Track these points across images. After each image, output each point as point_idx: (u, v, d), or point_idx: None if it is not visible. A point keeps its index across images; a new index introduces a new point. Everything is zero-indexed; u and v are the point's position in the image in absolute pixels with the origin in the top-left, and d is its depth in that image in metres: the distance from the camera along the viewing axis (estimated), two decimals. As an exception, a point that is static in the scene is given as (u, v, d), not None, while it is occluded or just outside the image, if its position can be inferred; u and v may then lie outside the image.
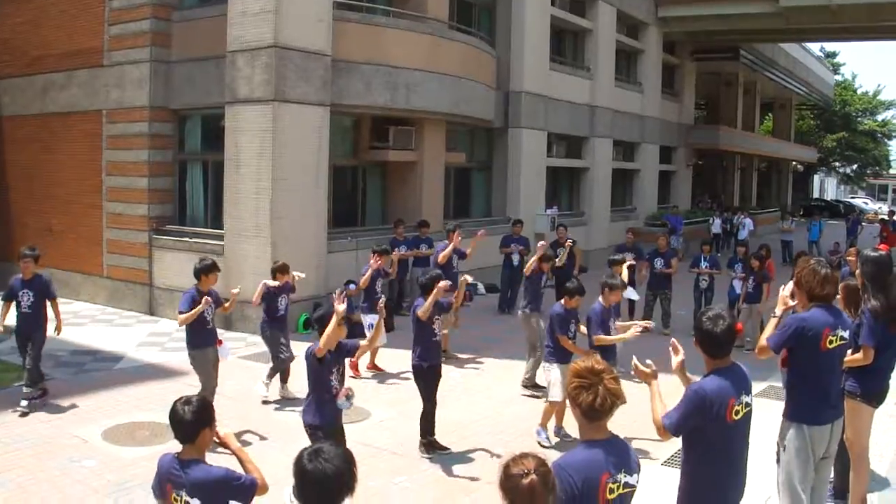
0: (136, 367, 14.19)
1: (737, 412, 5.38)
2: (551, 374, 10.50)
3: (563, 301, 10.83)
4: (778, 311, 6.80)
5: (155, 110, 18.75)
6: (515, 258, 19.23)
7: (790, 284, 6.90)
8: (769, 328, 6.74)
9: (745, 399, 5.47)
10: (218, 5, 17.55)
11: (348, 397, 7.90)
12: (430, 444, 10.05)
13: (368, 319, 13.51)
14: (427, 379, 10.05)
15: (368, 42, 18.51)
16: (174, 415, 5.00)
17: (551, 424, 10.73)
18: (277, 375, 12.36)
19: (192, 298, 10.49)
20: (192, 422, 4.97)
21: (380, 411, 11.73)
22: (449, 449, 10.08)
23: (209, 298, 10.46)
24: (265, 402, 12.07)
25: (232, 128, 17.10)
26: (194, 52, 18.28)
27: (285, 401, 12.13)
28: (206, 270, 10.66)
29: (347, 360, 8.53)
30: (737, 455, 5.53)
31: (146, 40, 18.60)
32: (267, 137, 16.51)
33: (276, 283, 12.48)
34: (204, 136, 19.38)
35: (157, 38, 18.61)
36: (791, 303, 6.79)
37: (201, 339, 10.66)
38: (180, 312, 10.47)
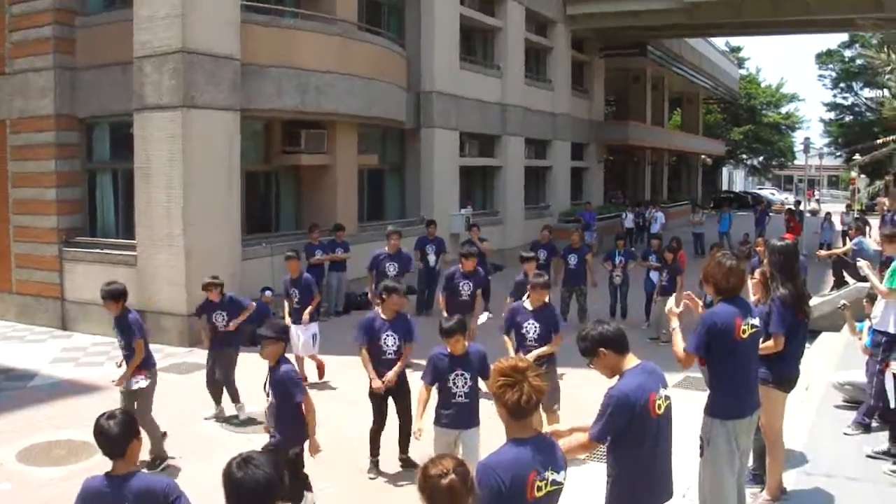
0: (50, 384, 13.87)
1: (658, 406, 5.41)
2: None
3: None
4: (673, 324, 6.81)
5: (61, 118, 18.34)
6: (431, 259, 19.17)
7: (671, 300, 6.97)
8: (676, 340, 6.75)
9: (664, 392, 5.50)
10: (123, 10, 17.29)
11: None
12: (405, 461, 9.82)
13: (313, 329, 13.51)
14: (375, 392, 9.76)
15: (277, 44, 18.35)
16: (100, 431, 4.86)
17: None
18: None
19: None
20: (120, 435, 4.83)
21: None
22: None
23: None
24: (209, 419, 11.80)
25: (141, 135, 16.80)
26: (100, 58, 17.93)
27: (220, 418, 11.86)
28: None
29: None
30: (662, 451, 5.55)
31: (49, 47, 18.18)
32: (177, 144, 16.25)
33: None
34: (113, 144, 18.98)
35: (60, 44, 18.20)
36: (676, 311, 6.82)
37: None
38: None
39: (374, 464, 9.77)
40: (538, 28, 33.00)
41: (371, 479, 9.62)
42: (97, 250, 17.95)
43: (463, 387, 8.18)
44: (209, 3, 16.59)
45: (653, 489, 5.54)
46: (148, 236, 16.84)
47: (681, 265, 17.09)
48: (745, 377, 6.77)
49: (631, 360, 5.54)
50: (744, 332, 6.59)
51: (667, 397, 5.50)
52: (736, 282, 6.72)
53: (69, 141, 18.61)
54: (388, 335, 9.55)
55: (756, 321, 6.79)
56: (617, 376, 5.54)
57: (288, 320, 13.39)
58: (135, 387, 9.92)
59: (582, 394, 10.35)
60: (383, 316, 9.64)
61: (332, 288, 19.31)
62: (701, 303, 7.29)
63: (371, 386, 9.50)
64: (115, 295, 9.97)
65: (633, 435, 5.36)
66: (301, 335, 13.33)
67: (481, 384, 8.12)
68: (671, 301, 6.92)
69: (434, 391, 8.34)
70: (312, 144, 19.98)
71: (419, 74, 24.65)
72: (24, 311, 19.26)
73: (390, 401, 9.72)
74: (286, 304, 13.92)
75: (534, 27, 32.39)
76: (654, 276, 17.61)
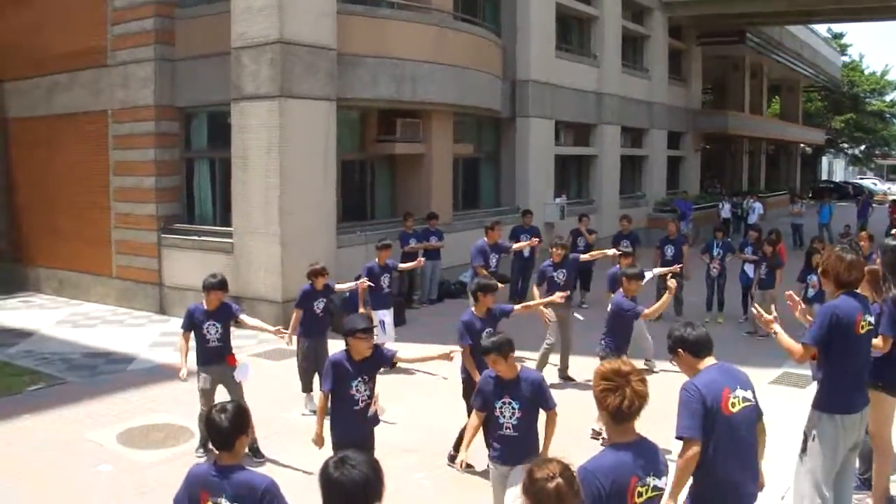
0: (148, 368, 14.11)
1: (733, 404, 5.31)
2: None
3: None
4: (776, 328, 6.64)
5: (161, 109, 18.66)
6: (527, 249, 19.02)
7: (771, 310, 6.93)
8: (785, 339, 6.60)
9: (742, 393, 5.40)
10: (221, 2, 17.49)
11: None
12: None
13: (379, 316, 13.38)
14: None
15: (373, 35, 18.42)
16: (211, 423, 4.96)
17: None
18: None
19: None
20: (231, 429, 4.93)
21: (393, 409, 11.45)
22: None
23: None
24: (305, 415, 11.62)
25: (238, 125, 17.01)
26: (198, 49, 18.20)
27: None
28: (208, 287, 10.00)
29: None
30: (744, 449, 5.41)
31: (150, 39, 18.51)
32: (274, 133, 16.42)
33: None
34: (210, 133, 19.28)
35: (160, 36, 18.52)
36: (769, 318, 6.69)
37: (199, 356, 10.08)
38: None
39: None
40: (635, 16, 32.61)
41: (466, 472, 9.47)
42: (195, 237, 18.24)
43: (510, 418, 6.87)
44: (306, -6, 16.73)
45: (735, 488, 5.40)
46: (244, 224, 17.05)
47: (780, 258, 16.73)
48: (858, 372, 6.66)
49: (708, 362, 5.51)
50: (862, 327, 6.50)
51: (746, 399, 5.39)
52: (857, 275, 6.64)
53: (168, 130, 18.94)
54: (485, 333, 9.44)
55: (872, 319, 6.68)
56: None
57: (361, 309, 13.25)
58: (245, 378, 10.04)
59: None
60: (477, 313, 9.46)
61: (425, 276, 19.34)
62: (800, 300, 7.14)
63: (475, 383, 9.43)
64: (224, 285, 10.08)
65: (710, 430, 5.25)
66: (385, 320, 13.48)
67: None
68: (765, 310, 6.82)
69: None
70: (408, 133, 20.01)
71: (515, 63, 24.53)
72: (124, 296, 19.66)
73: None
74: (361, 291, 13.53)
75: (630, 15, 32.00)
76: (749, 269, 17.25)
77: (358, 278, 13.27)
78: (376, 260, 14.03)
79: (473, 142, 24.21)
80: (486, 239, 15.69)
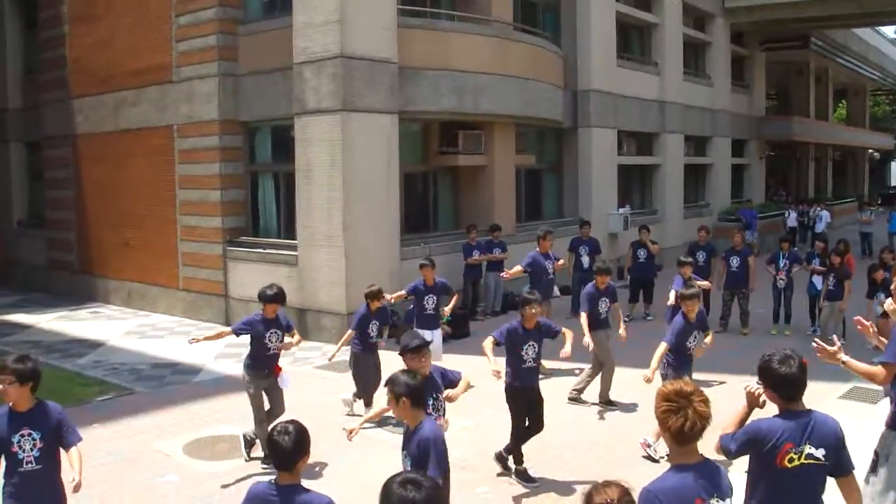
0: (214, 380, 14.30)
1: (790, 460, 4.98)
2: None
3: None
4: (843, 358, 6.32)
5: (224, 123, 18.90)
6: (585, 260, 18.74)
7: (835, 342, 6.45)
8: (856, 364, 6.31)
9: (808, 450, 4.99)
10: (282, 17, 17.68)
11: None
12: (518, 472, 9.59)
13: (427, 336, 13.22)
14: (516, 399, 9.66)
15: (433, 47, 18.49)
16: (273, 445, 5.03)
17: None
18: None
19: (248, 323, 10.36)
20: (292, 451, 5.00)
21: (455, 421, 11.45)
22: (536, 482, 9.51)
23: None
24: (349, 415, 11.80)
25: (301, 139, 17.18)
26: (261, 64, 18.40)
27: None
28: (267, 299, 10.24)
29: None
30: None
31: (213, 55, 18.78)
32: (337, 147, 16.54)
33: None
34: (274, 147, 19.49)
35: (223, 52, 18.77)
36: (833, 349, 6.32)
37: (256, 364, 10.35)
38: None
39: (520, 472, 9.58)
40: (696, 23, 32.36)
41: (522, 485, 9.48)
42: (259, 250, 18.43)
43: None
44: (366, 9, 16.81)
45: None
46: (308, 236, 17.19)
47: (849, 269, 16.48)
48: None
49: (796, 406, 5.12)
50: None
51: (810, 455, 4.99)
52: None
53: (232, 144, 19.17)
54: (529, 345, 9.53)
55: None
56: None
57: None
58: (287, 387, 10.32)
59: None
60: (525, 325, 9.56)
61: (489, 288, 19.34)
62: (871, 323, 6.99)
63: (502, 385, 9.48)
64: (282, 298, 10.29)
65: (760, 477, 5.09)
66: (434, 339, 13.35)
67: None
68: (833, 321, 6.71)
69: None
70: (470, 145, 20.04)
71: (576, 73, 24.47)
72: (190, 307, 19.93)
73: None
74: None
75: (691, 22, 31.75)
76: (816, 280, 17.00)
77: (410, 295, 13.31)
78: (422, 278, 13.65)
79: (535, 152, 24.20)
80: (538, 249, 15.55)
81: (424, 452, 5.87)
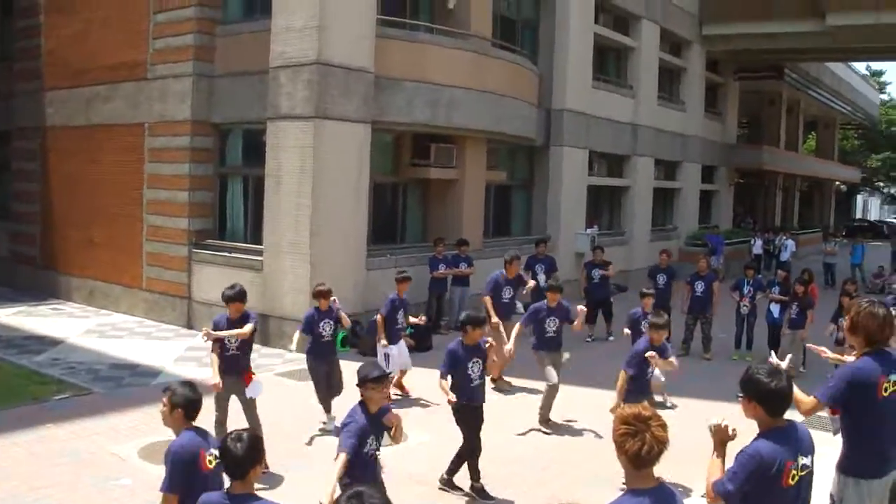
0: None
1: (793, 477, 5.07)
2: None
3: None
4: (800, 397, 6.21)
5: (196, 124, 18.80)
6: (541, 278, 18.40)
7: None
8: (800, 396, 6.15)
9: (803, 462, 5.12)
10: (261, 20, 17.60)
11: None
12: (475, 489, 9.49)
13: (385, 350, 13.11)
14: (466, 417, 9.57)
15: (410, 59, 18.47)
16: (226, 452, 4.98)
17: None
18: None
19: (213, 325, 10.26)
20: (245, 458, 4.95)
21: (413, 435, 11.33)
22: (493, 499, 9.44)
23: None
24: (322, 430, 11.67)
25: (273, 144, 17.10)
26: (237, 66, 18.32)
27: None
28: (227, 299, 10.19)
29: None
30: None
31: (189, 54, 18.67)
32: (308, 154, 16.48)
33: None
34: (245, 150, 19.34)
35: (200, 52, 18.68)
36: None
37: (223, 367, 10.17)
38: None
39: (477, 489, 9.48)
40: (672, 48, 32.56)
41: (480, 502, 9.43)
42: (225, 253, 18.33)
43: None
44: (345, 17, 16.76)
45: None
46: (275, 242, 17.10)
47: (812, 299, 16.59)
48: (882, 436, 6.27)
49: (780, 421, 5.18)
50: (885, 389, 6.17)
51: (805, 466, 5.13)
52: (890, 332, 6.33)
53: (203, 146, 19.07)
54: (473, 362, 9.56)
55: None
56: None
57: (383, 342, 13.15)
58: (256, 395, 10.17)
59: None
60: (466, 342, 9.62)
61: (454, 302, 19.28)
62: (826, 349, 6.97)
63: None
64: (243, 296, 10.22)
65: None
66: (400, 351, 13.46)
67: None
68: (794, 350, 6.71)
69: None
70: (441, 158, 20.03)
71: (551, 92, 24.52)
72: (153, 308, 19.76)
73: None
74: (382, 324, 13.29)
75: (668, 47, 31.94)
76: (774, 309, 17.09)
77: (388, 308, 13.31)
78: (396, 292, 13.72)
79: (507, 169, 24.25)
80: (504, 272, 15.54)
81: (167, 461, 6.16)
